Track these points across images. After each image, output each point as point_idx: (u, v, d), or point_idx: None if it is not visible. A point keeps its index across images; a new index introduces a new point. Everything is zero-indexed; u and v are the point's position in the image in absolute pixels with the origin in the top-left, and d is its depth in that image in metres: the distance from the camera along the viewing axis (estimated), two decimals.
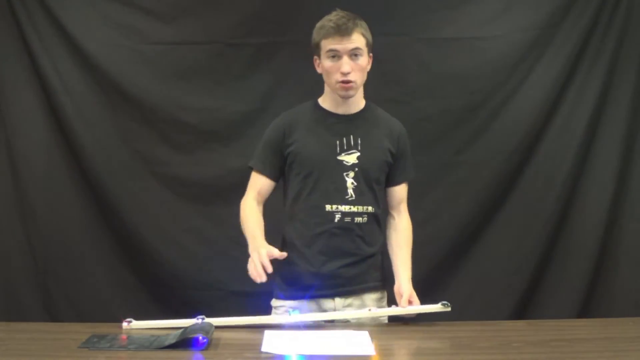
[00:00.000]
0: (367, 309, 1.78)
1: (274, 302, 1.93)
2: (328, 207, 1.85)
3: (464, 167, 2.56)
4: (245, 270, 1.75)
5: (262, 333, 1.60)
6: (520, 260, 2.55)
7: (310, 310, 1.86)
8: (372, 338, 1.57)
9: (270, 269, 1.68)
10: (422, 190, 2.42)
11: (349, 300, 1.88)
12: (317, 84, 1.95)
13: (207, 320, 1.62)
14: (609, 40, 2.49)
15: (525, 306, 2.56)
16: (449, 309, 1.72)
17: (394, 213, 1.99)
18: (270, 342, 1.53)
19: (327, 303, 1.88)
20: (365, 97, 1.93)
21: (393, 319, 1.89)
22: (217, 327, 1.58)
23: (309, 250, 1.86)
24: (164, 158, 2.54)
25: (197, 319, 1.62)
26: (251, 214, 1.89)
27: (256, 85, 2.54)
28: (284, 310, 1.88)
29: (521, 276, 2.55)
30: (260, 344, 1.51)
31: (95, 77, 2.48)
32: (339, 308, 1.87)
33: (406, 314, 1.77)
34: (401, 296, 1.78)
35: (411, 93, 2.52)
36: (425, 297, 2.57)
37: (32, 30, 2.44)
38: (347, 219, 1.85)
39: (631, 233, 2.53)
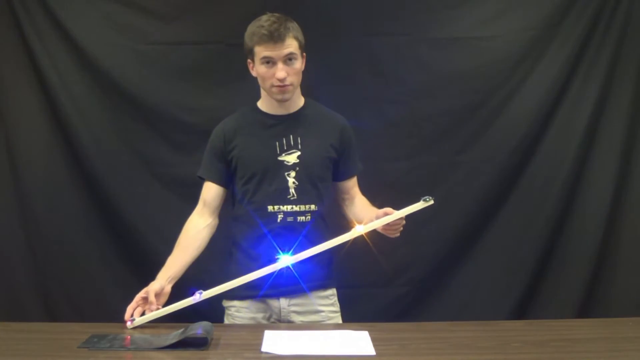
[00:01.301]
0: (356, 227, 1.67)
1: (225, 303, 1.93)
2: (270, 208, 1.85)
3: (464, 167, 2.56)
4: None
5: (262, 333, 1.60)
6: (520, 260, 2.55)
7: (259, 310, 1.87)
8: (372, 338, 1.57)
9: (128, 315, 1.71)
10: (422, 190, 2.39)
11: (295, 301, 1.88)
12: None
13: (205, 293, 1.66)
14: (609, 40, 2.49)
15: (525, 306, 2.56)
16: (432, 202, 1.67)
17: (348, 197, 1.99)
18: (270, 342, 1.54)
19: (274, 302, 1.88)
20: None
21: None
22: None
23: (254, 251, 1.85)
24: (164, 158, 2.54)
25: (197, 293, 1.66)
26: (181, 239, 1.90)
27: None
28: (234, 310, 1.89)
29: (521, 276, 2.55)
30: (260, 344, 1.52)
31: (95, 77, 2.48)
32: (284, 307, 1.87)
33: (395, 220, 1.70)
34: (383, 214, 1.70)
35: (411, 93, 2.52)
36: (425, 296, 2.59)
37: (32, 30, 2.44)
38: (290, 219, 1.85)
39: (631, 233, 2.54)
